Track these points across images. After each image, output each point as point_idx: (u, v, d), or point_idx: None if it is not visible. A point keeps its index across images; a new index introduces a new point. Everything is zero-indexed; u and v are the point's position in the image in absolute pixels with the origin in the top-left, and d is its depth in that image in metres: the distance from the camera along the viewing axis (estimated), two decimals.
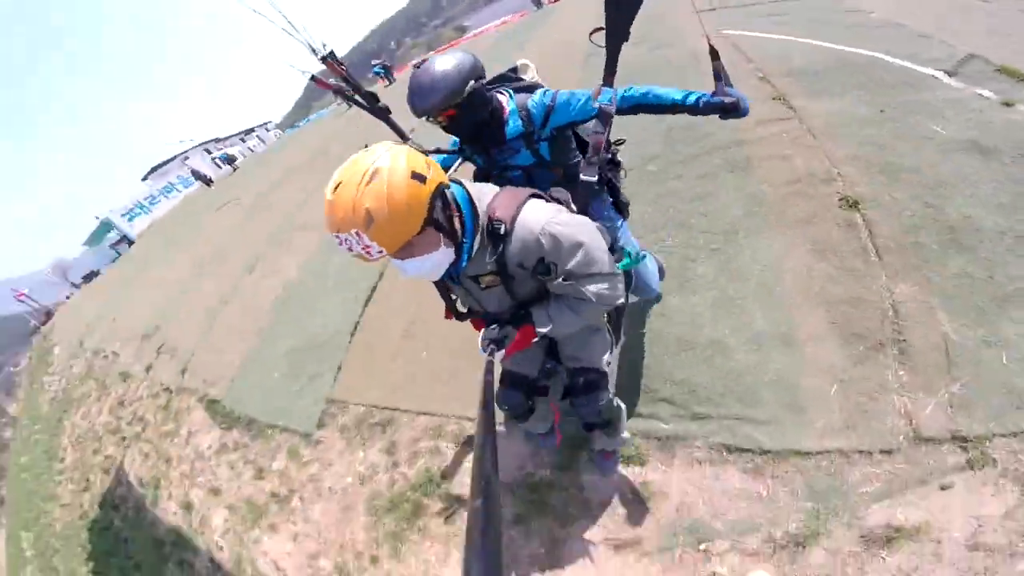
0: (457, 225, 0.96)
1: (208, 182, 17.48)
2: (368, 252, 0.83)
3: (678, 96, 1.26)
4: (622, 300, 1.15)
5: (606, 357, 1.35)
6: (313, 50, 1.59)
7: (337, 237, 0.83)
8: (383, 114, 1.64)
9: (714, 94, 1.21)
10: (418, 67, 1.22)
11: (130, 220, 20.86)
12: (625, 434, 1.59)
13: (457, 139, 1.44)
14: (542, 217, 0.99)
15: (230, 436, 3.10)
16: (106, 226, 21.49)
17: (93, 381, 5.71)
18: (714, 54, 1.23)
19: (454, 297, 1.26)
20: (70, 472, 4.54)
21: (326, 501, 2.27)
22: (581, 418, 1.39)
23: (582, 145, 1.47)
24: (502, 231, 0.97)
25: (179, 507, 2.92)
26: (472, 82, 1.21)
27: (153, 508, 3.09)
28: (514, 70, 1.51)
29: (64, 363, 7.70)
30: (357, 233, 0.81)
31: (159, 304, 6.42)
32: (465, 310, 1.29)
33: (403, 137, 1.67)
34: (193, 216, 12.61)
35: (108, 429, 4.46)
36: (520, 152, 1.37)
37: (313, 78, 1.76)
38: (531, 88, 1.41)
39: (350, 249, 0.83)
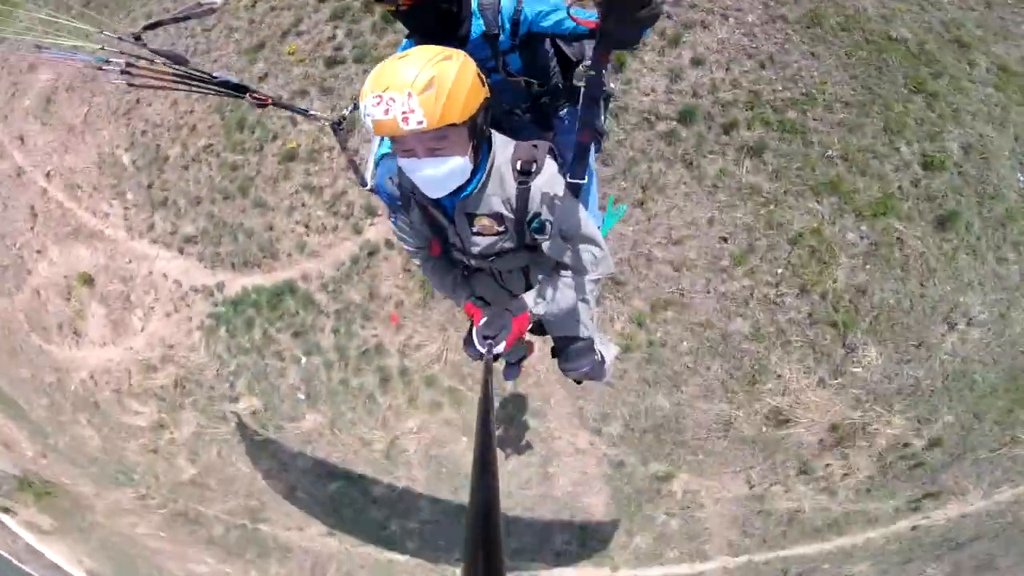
0: (479, 152, 0.94)
1: None
2: (407, 118, 0.79)
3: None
4: (614, 269, 1.17)
5: (589, 321, 1.34)
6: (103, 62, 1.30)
7: (378, 96, 0.79)
8: (269, 104, 1.42)
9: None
10: None
11: None
12: (611, 356, 1.54)
13: (408, 41, 1.24)
14: (550, 174, 0.99)
15: None
16: None
17: None
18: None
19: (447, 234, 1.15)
20: None
21: None
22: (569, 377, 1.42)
23: (563, 60, 1.29)
24: (532, 169, 0.95)
25: None
26: None
27: None
28: None
29: None
30: (409, 94, 0.78)
31: None
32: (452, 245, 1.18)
33: (304, 114, 1.56)
34: None
35: None
36: (484, 61, 1.18)
37: (130, 85, 1.40)
38: None
39: (386, 111, 0.78)
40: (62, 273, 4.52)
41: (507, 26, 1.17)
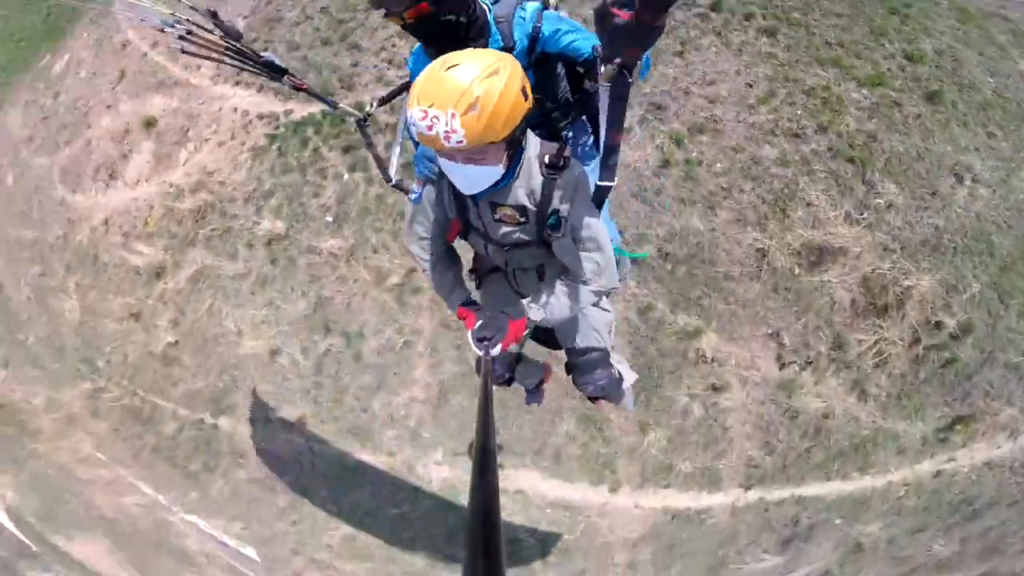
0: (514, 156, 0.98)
1: None
2: (448, 136, 0.82)
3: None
4: (617, 285, 1.17)
5: (606, 332, 1.32)
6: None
7: (424, 112, 0.82)
8: (303, 89, 1.46)
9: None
10: None
11: None
12: (630, 379, 1.50)
13: (418, 47, 1.24)
14: (575, 175, 1.04)
15: None
16: None
17: None
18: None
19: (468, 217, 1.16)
20: None
21: None
22: (583, 393, 1.38)
23: (574, 77, 1.31)
24: (560, 164, 1.00)
25: None
26: None
27: None
28: None
29: None
30: (452, 114, 0.81)
31: None
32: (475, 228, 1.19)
33: (332, 106, 1.56)
34: None
35: None
36: None
37: (183, 51, 1.45)
38: None
39: (430, 128, 0.82)
40: (125, 121, 4.84)
41: (525, 43, 1.18)
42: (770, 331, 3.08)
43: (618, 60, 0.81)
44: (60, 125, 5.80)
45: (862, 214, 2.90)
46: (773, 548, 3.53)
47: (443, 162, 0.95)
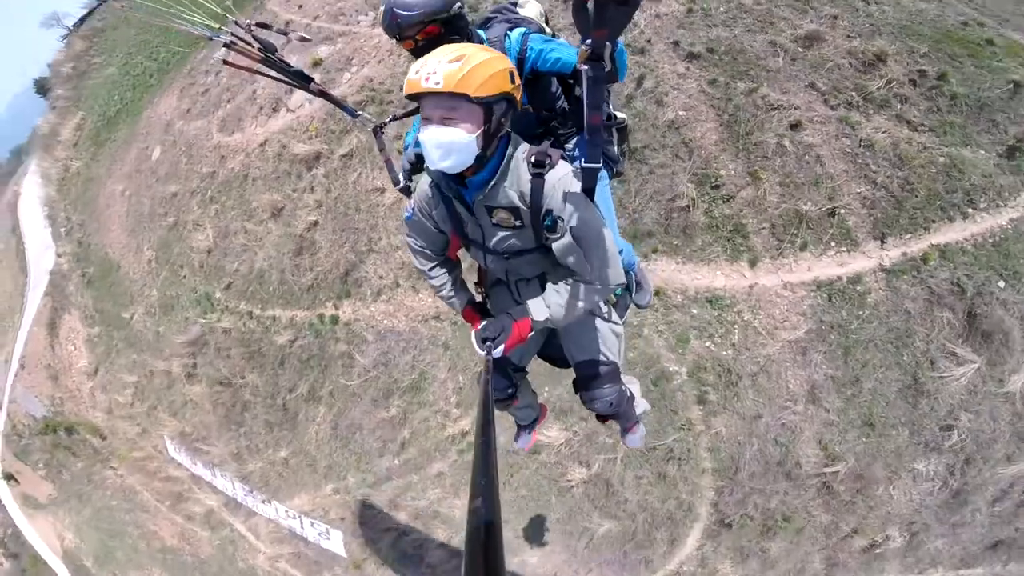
0: (494, 144, 1.07)
1: None
2: (428, 78, 0.98)
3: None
4: (623, 281, 1.19)
5: (616, 347, 1.39)
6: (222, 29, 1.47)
7: (424, 62, 1.01)
8: (325, 95, 1.63)
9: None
10: None
11: None
12: (643, 406, 1.60)
13: None
14: (563, 173, 1.11)
15: None
16: None
17: None
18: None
19: (465, 229, 1.24)
20: None
21: None
22: (592, 411, 1.41)
23: (568, 90, 1.46)
24: (546, 163, 1.08)
25: None
26: (458, 2, 1.28)
27: None
28: (514, 3, 1.52)
29: None
30: (439, 61, 0.99)
31: None
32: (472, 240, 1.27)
33: (352, 114, 1.72)
34: None
35: None
36: None
37: (225, 62, 1.56)
38: (518, 23, 1.42)
39: (417, 72, 1.00)
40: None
41: (515, 64, 1.26)
42: (806, 83, 4.15)
43: (588, 42, 0.87)
44: (223, 89, 7.54)
45: (821, 20, 4.51)
46: (958, 335, 3.60)
47: (421, 132, 1.03)
